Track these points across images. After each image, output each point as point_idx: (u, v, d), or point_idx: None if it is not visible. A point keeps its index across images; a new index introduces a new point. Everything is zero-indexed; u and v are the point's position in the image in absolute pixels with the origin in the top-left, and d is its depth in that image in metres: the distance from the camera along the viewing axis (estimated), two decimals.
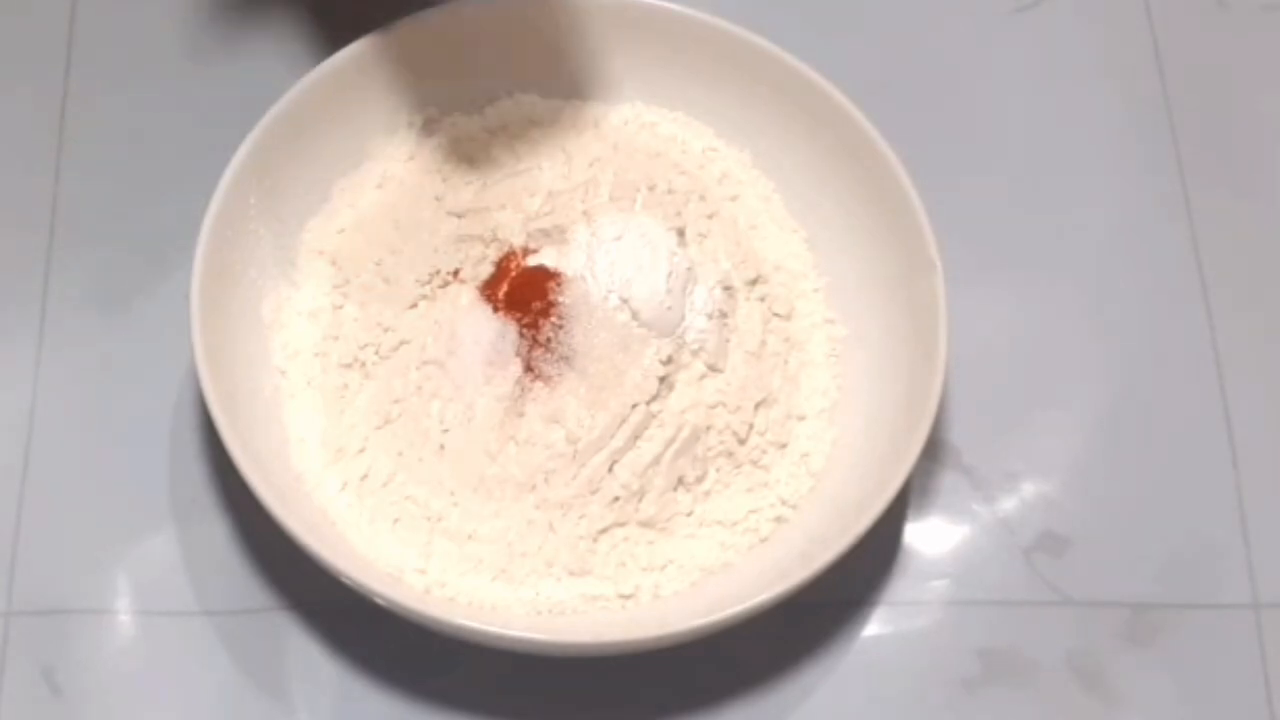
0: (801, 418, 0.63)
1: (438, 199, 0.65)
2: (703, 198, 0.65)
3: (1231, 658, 0.62)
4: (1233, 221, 0.70)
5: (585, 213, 0.63)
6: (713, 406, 0.61)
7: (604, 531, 0.60)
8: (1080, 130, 0.72)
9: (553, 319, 0.61)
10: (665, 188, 0.64)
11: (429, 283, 0.63)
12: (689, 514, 0.61)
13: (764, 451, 0.62)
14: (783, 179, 0.67)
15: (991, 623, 0.62)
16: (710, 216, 0.65)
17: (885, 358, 0.63)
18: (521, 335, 0.61)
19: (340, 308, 0.63)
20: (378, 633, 0.60)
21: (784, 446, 0.62)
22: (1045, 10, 0.75)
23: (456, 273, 0.63)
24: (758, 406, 0.62)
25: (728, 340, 0.62)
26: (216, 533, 0.62)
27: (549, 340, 0.61)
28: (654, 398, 0.60)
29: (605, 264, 0.62)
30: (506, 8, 0.65)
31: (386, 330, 0.62)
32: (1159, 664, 0.62)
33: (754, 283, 0.64)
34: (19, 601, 0.61)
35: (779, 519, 0.61)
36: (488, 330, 0.61)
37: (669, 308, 0.61)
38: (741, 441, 0.61)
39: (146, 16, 0.70)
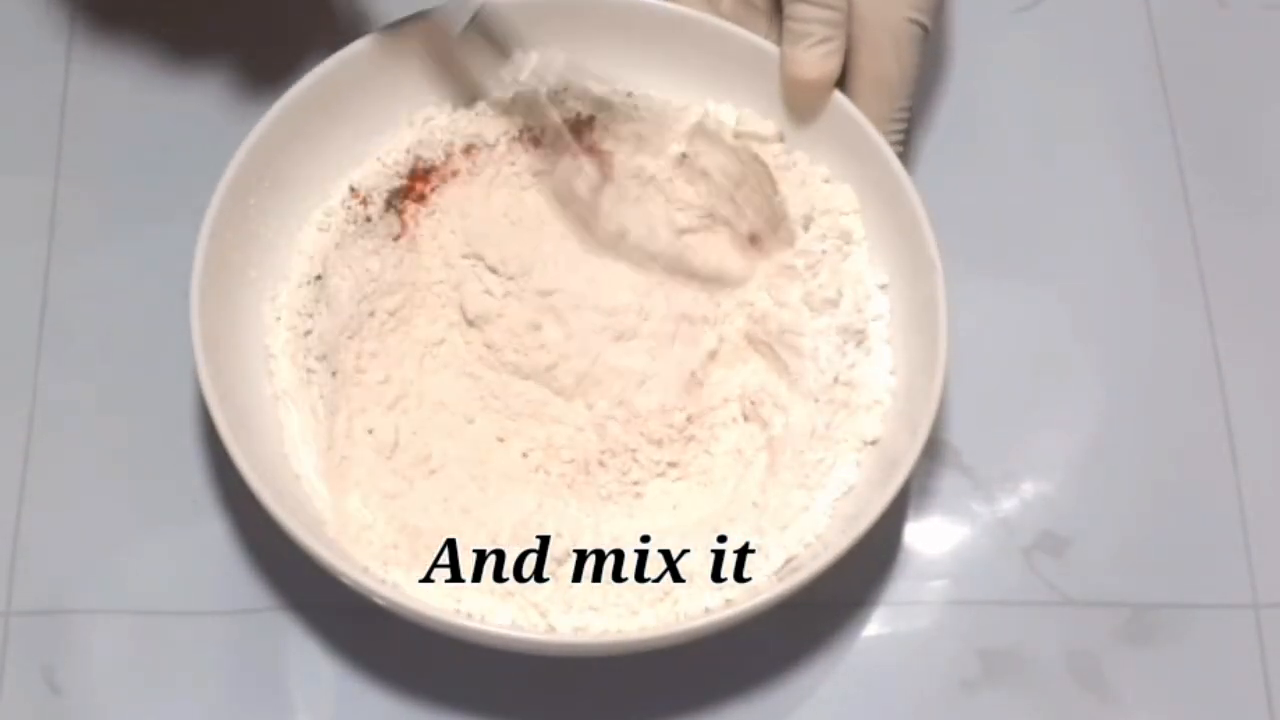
0: None
1: None
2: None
3: (1231, 658, 0.62)
4: (1233, 221, 0.70)
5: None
6: None
7: None
8: (1080, 130, 0.72)
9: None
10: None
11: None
12: None
13: None
14: None
15: (991, 623, 0.62)
16: None
17: (885, 357, 0.63)
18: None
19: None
20: (378, 633, 0.60)
21: None
22: (1045, 10, 0.75)
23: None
24: None
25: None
26: (216, 533, 0.62)
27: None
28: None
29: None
30: (504, 10, 0.65)
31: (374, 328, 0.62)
32: (1159, 664, 0.62)
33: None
34: (19, 601, 0.61)
35: None
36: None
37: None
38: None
39: (147, 19, 0.70)
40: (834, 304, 0.62)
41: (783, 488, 0.59)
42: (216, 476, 0.63)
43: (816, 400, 0.61)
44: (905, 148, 0.63)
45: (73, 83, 0.70)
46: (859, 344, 0.62)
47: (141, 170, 0.68)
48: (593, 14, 0.65)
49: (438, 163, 0.64)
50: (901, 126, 0.63)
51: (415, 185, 0.64)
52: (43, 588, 0.61)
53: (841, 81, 0.63)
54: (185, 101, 0.69)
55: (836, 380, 0.61)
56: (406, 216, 0.64)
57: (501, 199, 0.64)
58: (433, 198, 0.64)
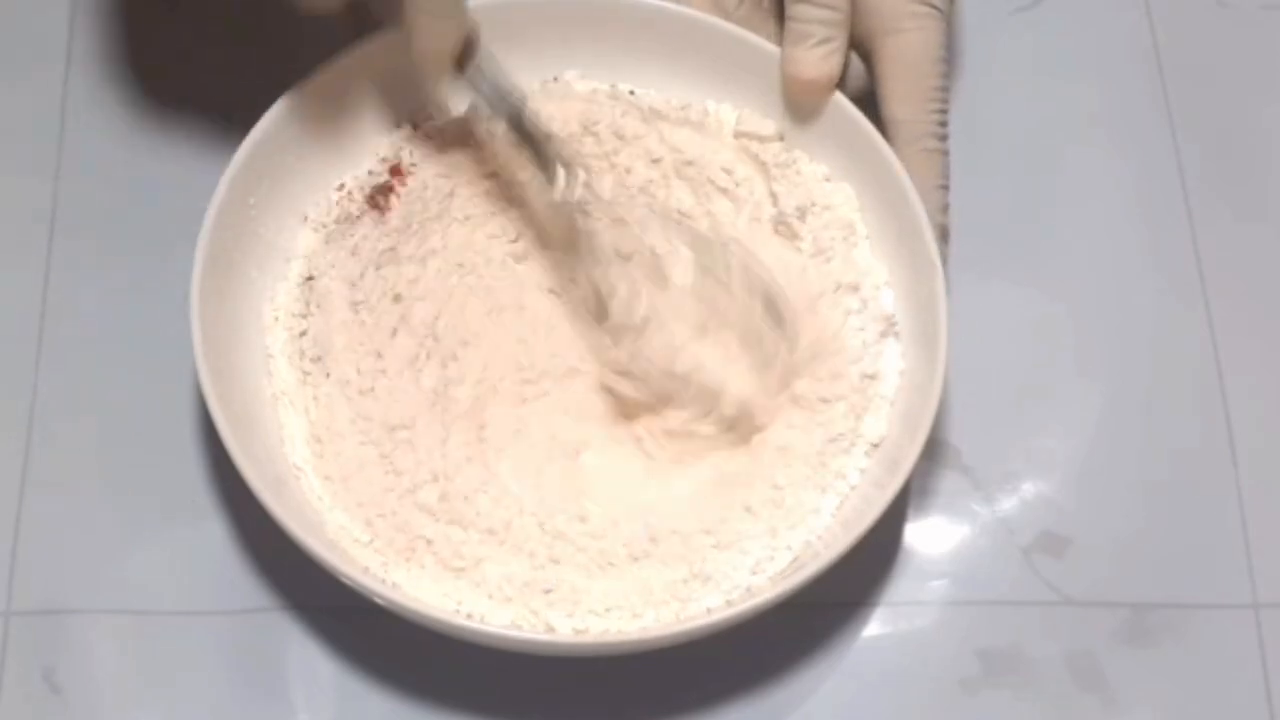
0: None
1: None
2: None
3: (1231, 658, 0.62)
4: (1233, 221, 0.70)
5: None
6: None
7: None
8: (1080, 130, 0.72)
9: None
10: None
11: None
12: None
13: None
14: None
15: (991, 623, 0.62)
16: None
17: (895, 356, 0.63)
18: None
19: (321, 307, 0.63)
20: (378, 633, 0.60)
21: None
22: (1045, 10, 0.75)
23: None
24: None
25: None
26: (216, 533, 0.62)
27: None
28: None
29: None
30: (504, 7, 0.65)
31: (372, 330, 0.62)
32: (1159, 664, 0.62)
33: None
34: (19, 601, 0.61)
35: None
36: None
37: None
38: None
39: (147, 20, 0.70)
40: (855, 289, 0.62)
41: (797, 487, 0.59)
42: (216, 476, 0.63)
43: (847, 397, 0.61)
44: (946, 143, 0.63)
45: (73, 83, 0.70)
46: (883, 335, 0.62)
47: (141, 170, 0.68)
48: (593, 14, 0.65)
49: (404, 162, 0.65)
50: (940, 107, 0.62)
51: (394, 182, 0.64)
52: (43, 588, 0.61)
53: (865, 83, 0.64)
54: (186, 101, 0.69)
55: (863, 375, 0.61)
56: (385, 211, 0.64)
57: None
58: (401, 189, 0.64)
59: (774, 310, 0.60)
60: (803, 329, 0.61)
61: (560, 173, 0.61)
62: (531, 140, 0.61)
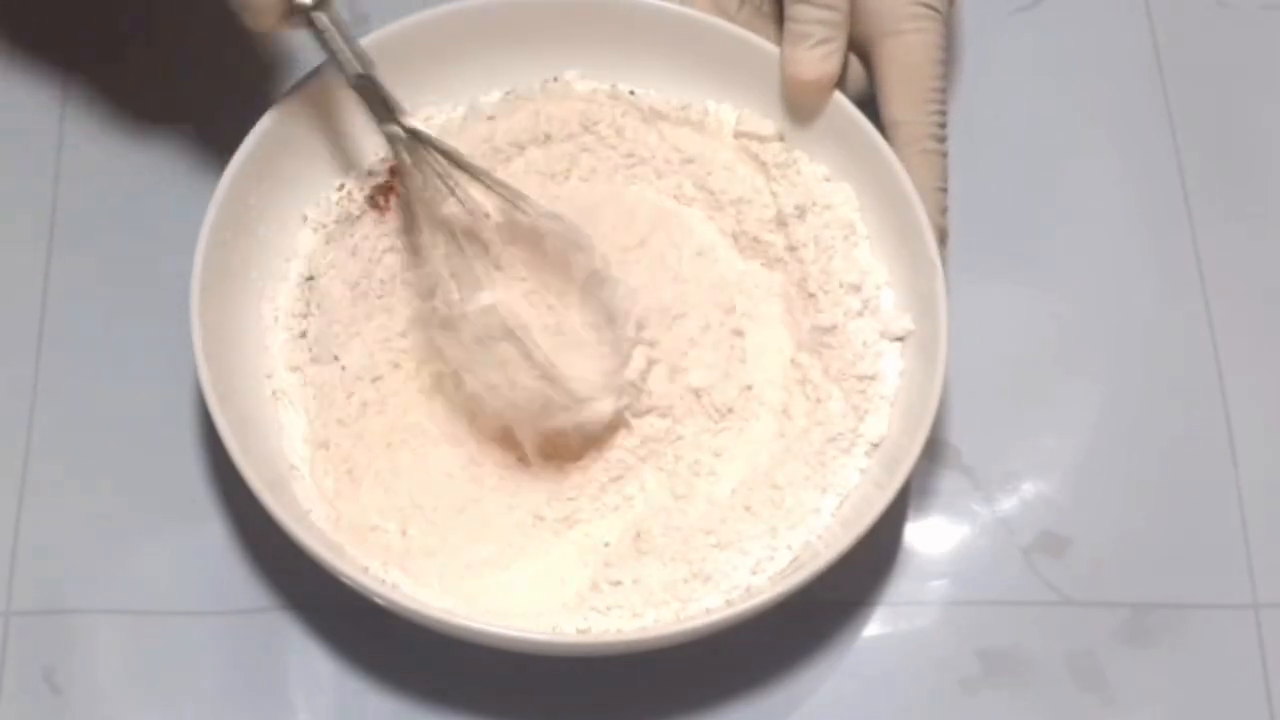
0: None
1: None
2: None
3: (1231, 658, 0.62)
4: (1233, 221, 0.70)
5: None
6: None
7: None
8: (1080, 130, 0.72)
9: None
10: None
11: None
12: None
13: None
14: None
15: (991, 623, 0.62)
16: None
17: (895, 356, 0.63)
18: None
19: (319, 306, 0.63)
20: (378, 633, 0.60)
21: None
22: (1045, 10, 0.75)
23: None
24: None
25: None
26: (216, 533, 0.62)
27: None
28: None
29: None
30: (501, 9, 0.65)
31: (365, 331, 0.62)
32: (1159, 664, 0.62)
33: None
34: (19, 601, 0.61)
35: None
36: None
37: None
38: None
39: (146, 19, 0.71)
40: (856, 288, 0.62)
41: (797, 487, 0.59)
42: (216, 476, 0.63)
43: (847, 397, 0.61)
44: (945, 144, 0.63)
45: (72, 83, 0.70)
46: (883, 335, 0.62)
47: (141, 170, 0.68)
48: (593, 14, 0.65)
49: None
50: (939, 109, 0.63)
51: (394, 182, 0.64)
52: (43, 588, 0.61)
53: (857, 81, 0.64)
54: (186, 101, 0.69)
55: (863, 376, 0.61)
56: (385, 211, 0.64)
57: None
58: (402, 189, 0.64)
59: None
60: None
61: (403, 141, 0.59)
62: (376, 102, 0.60)
